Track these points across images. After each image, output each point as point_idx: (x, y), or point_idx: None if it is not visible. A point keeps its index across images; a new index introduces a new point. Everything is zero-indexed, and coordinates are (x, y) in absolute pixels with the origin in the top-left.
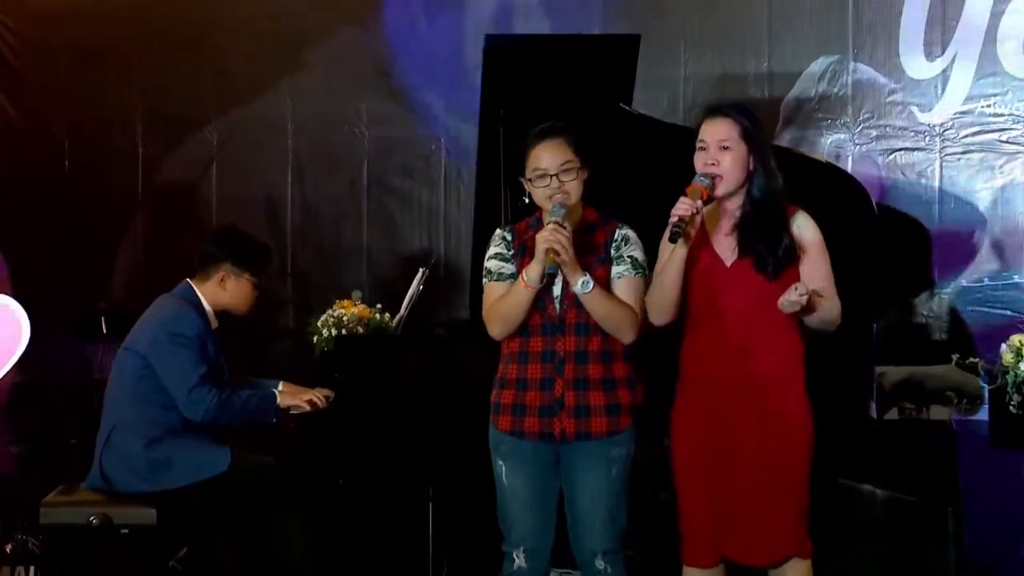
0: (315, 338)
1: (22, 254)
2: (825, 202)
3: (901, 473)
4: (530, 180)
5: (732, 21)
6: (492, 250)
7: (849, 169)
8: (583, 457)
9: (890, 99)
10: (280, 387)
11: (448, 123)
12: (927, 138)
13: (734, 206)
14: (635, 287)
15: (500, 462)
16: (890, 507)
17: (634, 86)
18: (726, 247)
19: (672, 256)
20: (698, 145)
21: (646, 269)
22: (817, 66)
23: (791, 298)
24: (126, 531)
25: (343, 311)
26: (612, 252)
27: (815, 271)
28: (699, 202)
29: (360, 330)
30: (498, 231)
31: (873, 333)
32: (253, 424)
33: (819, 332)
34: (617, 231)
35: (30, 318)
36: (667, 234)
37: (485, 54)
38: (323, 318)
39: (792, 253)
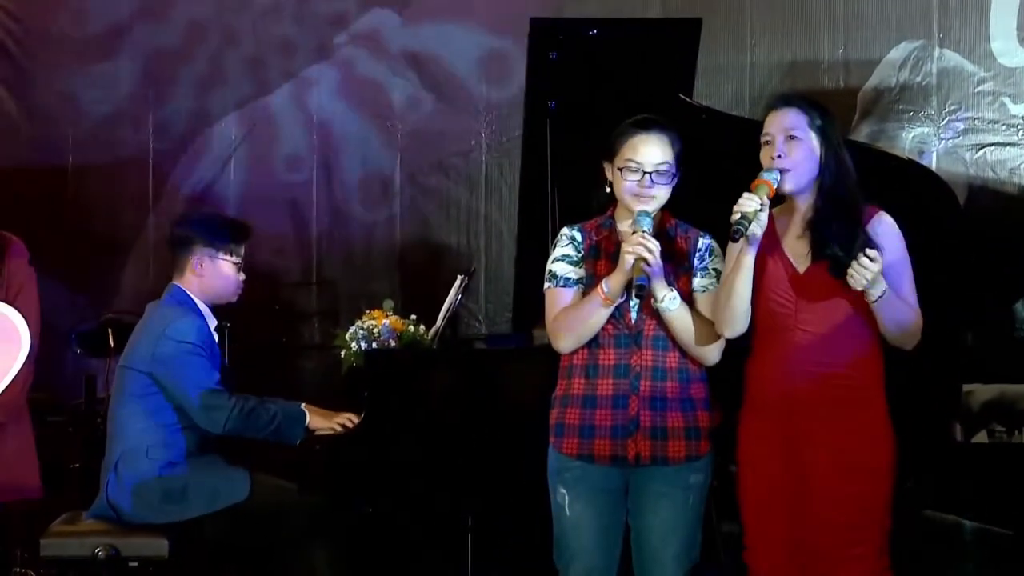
0: (343, 352)
1: None
2: (906, 203)
3: (992, 503)
4: (620, 170)
5: (804, 3)
6: (558, 251)
7: (933, 167)
8: (658, 484)
9: (979, 89)
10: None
11: (489, 116)
12: (1020, 132)
13: (805, 205)
14: None
15: (563, 490)
16: (980, 540)
17: (695, 75)
18: (798, 251)
19: (739, 261)
20: (763, 139)
21: None
22: (898, 53)
23: (863, 264)
24: (135, 564)
25: (373, 323)
26: (696, 263)
27: (896, 280)
28: (765, 198)
29: (392, 344)
30: (565, 230)
31: (959, 347)
32: (276, 444)
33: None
34: (700, 240)
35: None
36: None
37: (530, 39)
38: (352, 330)
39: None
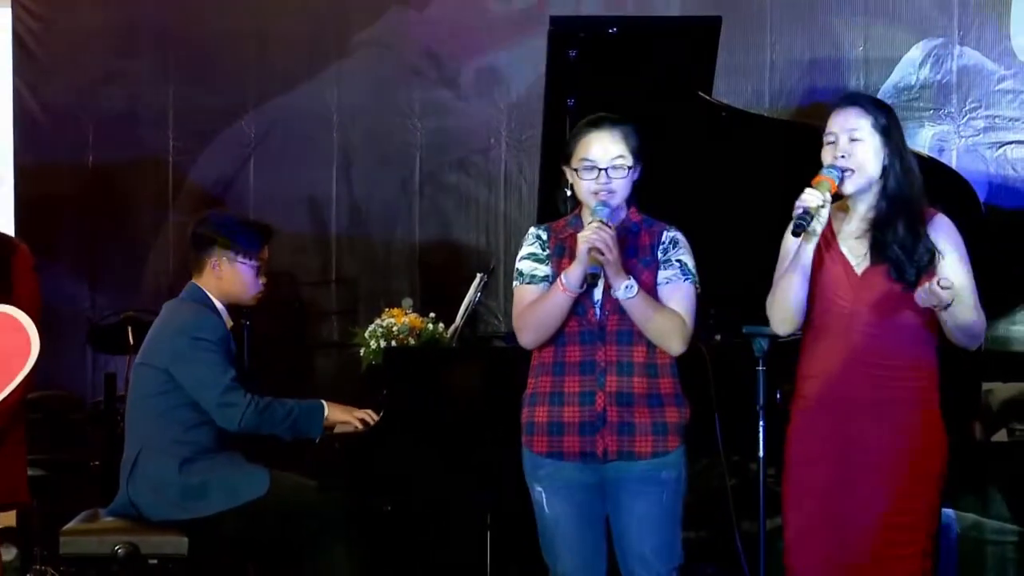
0: (362, 350)
1: (41, 257)
2: (927, 201)
3: (1011, 501)
4: (576, 171)
5: (824, 0)
6: (525, 249)
7: (953, 164)
8: (630, 482)
9: (1000, 87)
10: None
11: (509, 114)
12: None
13: (866, 206)
14: (684, 293)
15: (539, 488)
16: (1000, 538)
17: (714, 73)
18: (857, 251)
19: (797, 255)
20: (826, 139)
21: (696, 276)
22: (918, 51)
23: (939, 293)
24: (154, 562)
25: (392, 320)
26: (659, 255)
27: (955, 281)
28: (827, 194)
29: (411, 341)
30: (532, 229)
31: (980, 346)
32: (296, 440)
33: None
34: (665, 233)
35: (49, 327)
36: (790, 229)
37: (550, 37)
38: (371, 328)
39: (932, 259)
